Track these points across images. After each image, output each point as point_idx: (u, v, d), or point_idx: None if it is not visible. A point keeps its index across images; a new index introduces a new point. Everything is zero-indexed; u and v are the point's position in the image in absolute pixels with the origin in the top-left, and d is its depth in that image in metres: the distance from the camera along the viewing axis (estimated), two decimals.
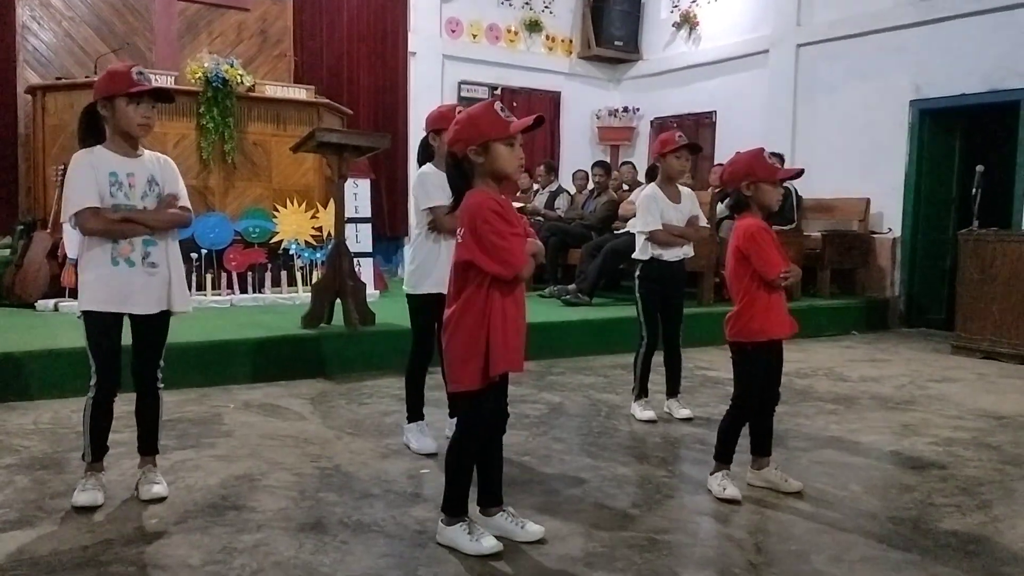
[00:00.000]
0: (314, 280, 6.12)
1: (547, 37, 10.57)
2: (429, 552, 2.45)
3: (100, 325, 2.71)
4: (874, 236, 8.07)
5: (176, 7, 7.48)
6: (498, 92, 10.09)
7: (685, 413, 4.11)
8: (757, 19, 9.23)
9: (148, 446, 2.90)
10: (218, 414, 4.00)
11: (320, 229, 6.64)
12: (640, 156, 10.34)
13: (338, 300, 5.27)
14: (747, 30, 9.35)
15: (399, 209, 9.08)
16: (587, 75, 10.86)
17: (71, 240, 5.54)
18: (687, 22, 10.05)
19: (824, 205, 8.26)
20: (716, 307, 6.38)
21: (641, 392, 4.15)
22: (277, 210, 6.54)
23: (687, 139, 4.05)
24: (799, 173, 3.14)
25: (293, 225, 6.55)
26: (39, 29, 7.55)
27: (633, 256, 4.14)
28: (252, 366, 4.71)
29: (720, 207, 6.66)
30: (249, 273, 6.49)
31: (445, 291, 3.11)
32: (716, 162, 8.87)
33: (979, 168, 6.39)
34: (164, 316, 2.82)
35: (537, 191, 8.91)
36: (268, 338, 4.88)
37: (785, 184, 3.32)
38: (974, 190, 6.39)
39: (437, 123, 3.35)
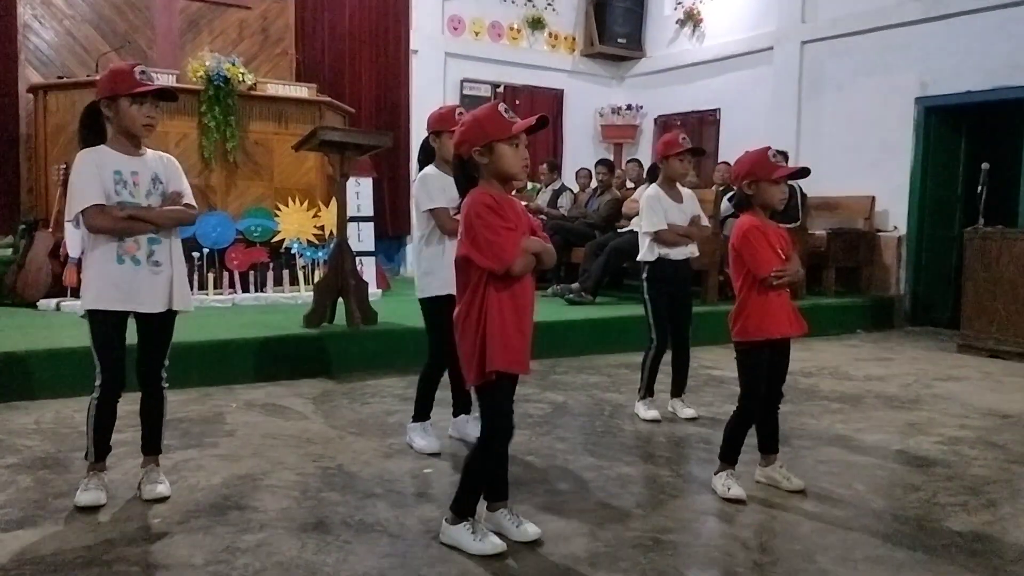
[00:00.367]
0: (316, 279, 6.12)
1: (550, 34, 10.54)
2: (432, 552, 2.44)
3: (105, 324, 2.70)
4: (879, 234, 8.05)
5: (177, 5, 7.47)
6: (500, 90, 10.08)
7: (689, 413, 4.09)
8: (761, 16, 9.19)
9: (152, 446, 2.90)
10: (220, 414, 3.99)
11: (322, 228, 6.63)
12: (643, 154, 10.31)
13: (340, 299, 5.26)
14: (751, 27, 9.32)
15: (401, 208, 9.06)
16: (590, 73, 10.83)
17: (73, 239, 5.54)
18: (691, 19, 10.01)
19: (829, 203, 8.23)
20: (721, 306, 6.36)
21: (647, 392, 4.13)
22: (279, 209, 6.53)
23: (691, 143, 4.03)
24: (801, 172, 3.08)
25: (295, 224, 6.54)
26: (40, 28, 7.55)
27: (639, 258, 4.12)
28: (254, 366, 4.70)
29: (724, 205, 6.65)
30: (251, 272, 6.49)
31: (442, 293, 3.13)
32: (720, 160, 8.85)
33: (985, 166, 6.36)
34: (169, 315, 2.81)
35: (540, 190, 8.89)
36: (270, 337, 4.87)
37: (790, 182, 3.30)
38: (979, 188, 6.36)
39: (437, 125, 3.34)
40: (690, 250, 4.07)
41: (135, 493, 2.83)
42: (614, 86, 11.04)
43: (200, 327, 4.86)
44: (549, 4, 10.53)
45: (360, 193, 7.04)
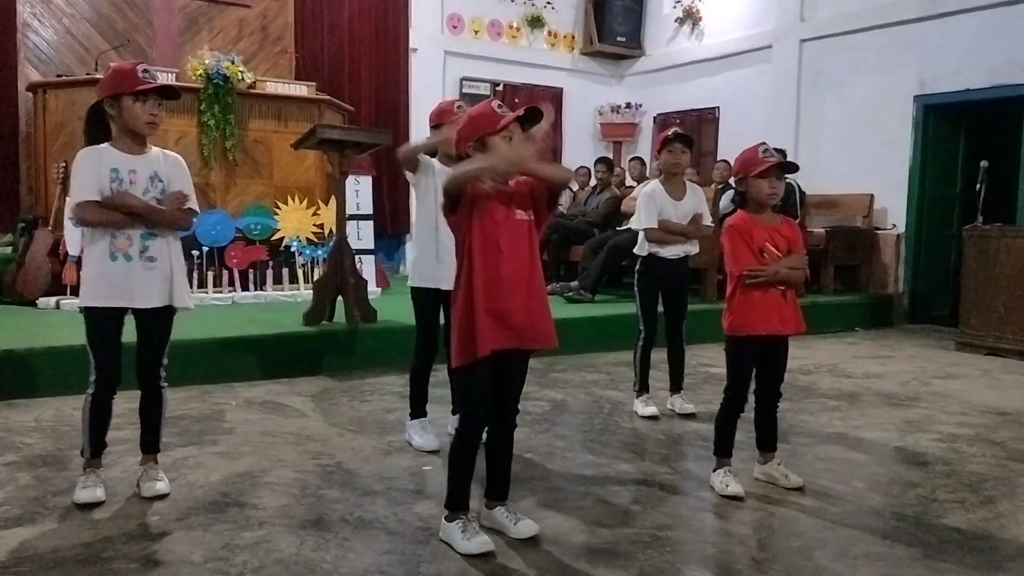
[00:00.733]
0: (315, 277, 6.12)
1: (549, 33, 10.54)
2: (431, 549, 2.45)
3: (101, 321, 2.70)
4: (878, 232, 8.05)
5: (176, 3, 7.48)
6: (500, 88, 10.08)
7: (688, 409, 4.10)
8: (760, 14, 9.20)
9: (151, 444, 2.90)
10: (220, 411, 3.99)
11: (321, 226, 6.63)
12: (643, 152, 10.32)
13: (340, 297, 5.26)
14: (750, 25, 9.32)
15: (401, 206, 9.06)
16: (589, 71, 10.83)
17: (72, 237, 5.54)
18: (690, 17, 10.02)
19: (828, 201, 8.24)
20: (719, 304, 6.34)
21: (642, 387, 4.14)
22: (279, 207, 6.53)
23: (680, 131, 4.03)
24: (785, 165, 3.02)
25: (294, 222, 6.54)
26: (40, 26, 7.54)
27: (635, 251, 4.14)
28: (254, 363, 4.70)
29: (723, 203, 6.65)
30: (251, 270, 6.49)
31: (441, 287, 3.14)
32: (719, 158, 8.85)
33: (983, 164, 6.37)
34: (167, 312, 2.81)
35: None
36: (270, 335, 4.88)
37: (788, 180, 3.30)
38: (978, 186, 6.36)
39: (437, 119, 3.37)
40: (685, 249, 4.07)
41: (134, 490, 2.83)
42: (613, 84, 11.04)
43: (200, 325, 4.87)
44: (548, 3, 10.53)
45: (359, 191, 7.04)
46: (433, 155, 3.41)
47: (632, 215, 7.02)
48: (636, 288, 4.13)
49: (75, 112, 6.07)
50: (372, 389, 4.54)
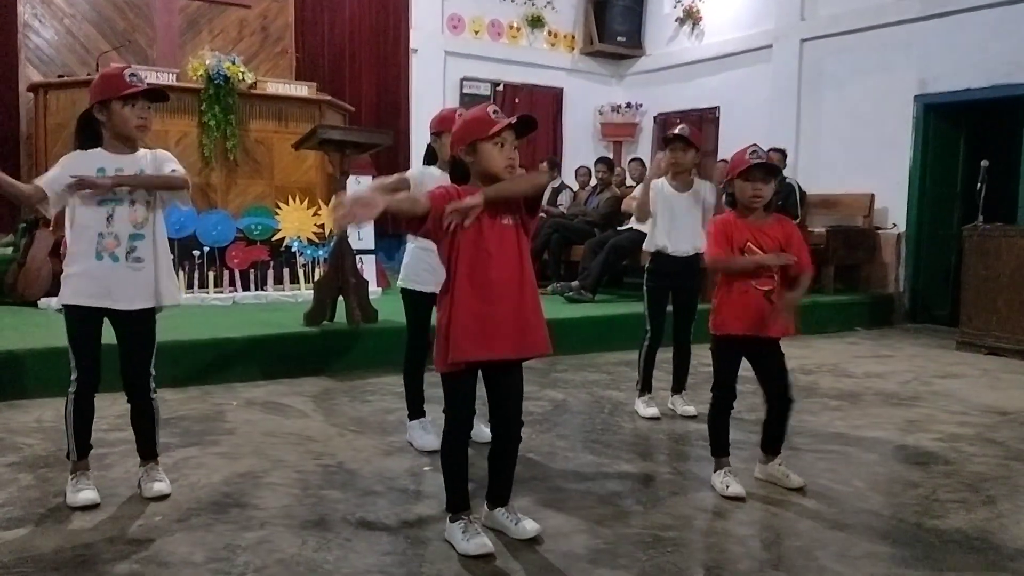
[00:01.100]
0: (316, 277, 6.12)
1: (549, 33, 10.54)
2: (432, 549, 2.45)
3: (79, 319, 2.70)
4: (879, 232, 8.05)
5: (177, 4, 7.48)
6: (500, 89, 10.08)
7: (689, 410, 4.10)
8: (760, 14, 9.20)
9: (147, 451, 2.89)
10: (221, 411, 3.99)
11: (322, 226, 6.63)
12: (643, 152, 10.32)
13: (340, 297, 5.26)
14: (750, 25, 9.32)
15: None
16: (589, 71, 10.83)
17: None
18: (690, 17, 10.02)
19: (828, 200, 8.24)
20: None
21: (644, 387, 4.14)
22: (279, 207, 6.53)
23: (686, 132, 4.01)
24: (767, 167, 2.93)
25: (295, 222, 6.54)
26: (40, 27, 7.55)
27: (644, 247, 4.13)
28: (255, 364, 4.70)
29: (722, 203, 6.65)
30: (251, 271, 6.49)
31: (428, 290, 3.14)
32: (720, 158, 8.84)
33: (984, 163, 6.36)
34: (147, 316, 2.78)
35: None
36: (270, 336, 4.88)
37: (788, 180, 3.31)
38: (979, 185, 6.36)
39: (438, 126, 3.35)
40: (695, 244, 4.04)
41: (135, 491, 2.83)
42: (613, 84, 11.04)
43: (200, 325, 4.88)
44: (548, 3, 10.53)
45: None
46: (434, 162, 3.39)
47: (633, 214, 7.06)
48: (645, 288, 4.10)
49: (76, 113, 6.01)
50: (373, 389, 4.54)
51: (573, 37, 10.74)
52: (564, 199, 8.58)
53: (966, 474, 3.29)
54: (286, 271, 6.64)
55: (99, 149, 2.72)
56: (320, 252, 6.56)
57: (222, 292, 6.29)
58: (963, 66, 7.29)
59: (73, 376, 2.74)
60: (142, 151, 2.79)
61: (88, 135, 2.75)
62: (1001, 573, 2.39)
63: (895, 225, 7.97)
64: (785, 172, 7.59)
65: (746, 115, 9.18)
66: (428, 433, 3.46)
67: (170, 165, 2.80)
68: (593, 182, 8.66)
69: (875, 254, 8.07)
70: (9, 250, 6.82)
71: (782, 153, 7.80)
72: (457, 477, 2.47)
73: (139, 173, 2.73)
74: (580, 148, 10.47)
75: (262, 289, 6.51)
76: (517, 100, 10.01)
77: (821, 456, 3.49)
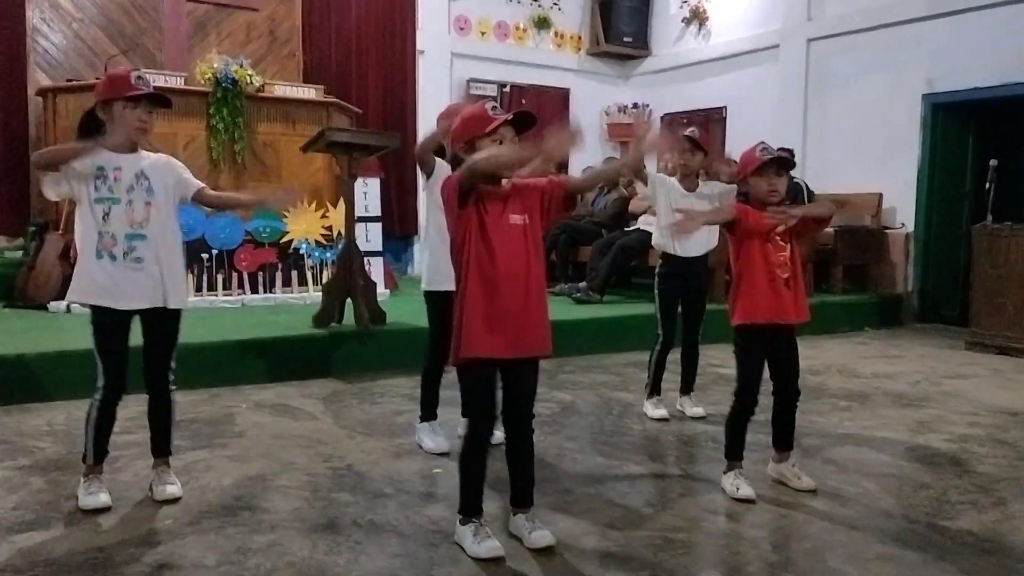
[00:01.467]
0: (325, 280, 6.14)
1: (556, 34, 10.54)
2: (443, 552, 2.45)
3: (104, 323, 2.71)
4: (887, 231, 8.02)
5: (185, 8, 7.50)
6: (507, 90, 10.08)
7: (698, 411, 4.09)
8: (767, 14, 9.17)
9: (161, 448, 2.91)
10: (230, 414, 4.01)
11: (330, 229, 6.65)
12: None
13: (349, 299, 5.27)
14: (757, 25, 9.30)
15: (409, 207, 9.08)
16: (596, 71, 10.82)
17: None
18: (696, 17, 10.00)
19: (836, 200, 8.12)
20: (727, 304, 6.34)
21: (654, 390, 4.14)
22: (287, 210, 6.55)
23: (696, 135, 4.01)
24: (780, 161, 2.98)
25: (303, 225, 6.56)
26: (49, 31, 7.59)
27: (653, 242, 4.13)
28: (264, 366, 4.72)
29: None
30: (260, 273, 6.51)
31: (446, 288, 3.14)
32: (727, 157, 8.82)
33: (992, 162, 6.34)
34: (169, 316, 2.80)
35: None
36: (279, 338, 4.90)
37: (796, 179, 3.31)
38: (988, 184, 6.33)
39: (447, 120, 3.36)
40: (706, 244, 4.03)
41: (146, 494, 2.85)
42: (620, 85, 11.02)
43: (210, 328, 4.89)
44: (555, 4, 10.52)
45: (368, 193, 7.05)
46: (444, 157, 3.42)
47: (640, 215, 7.06)
48: (656, 291, 4.09)
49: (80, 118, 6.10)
50: (382, 391, 4.55)
51: (579, 38, 10.74)
52: None
53: (977, 475, 3.28)
54: (294, 273, 6.65)
55: (100, 147, 2.72)
56: (328, 254, 6.58)
57: (231, 295, 6.31)
58: (971, 65, 7.26)
59: (100, 382, 2.74)
60: (143, 152, 2.80)
61: (91, 132, 2.75)
62: (1012, 575, 2.38)
63: (903, 225, 7.94)
64: (793, 172, 7.56)
65: (753, 115, 9.16)
66: (437, 435, 3.46)
67: (188, 175, 2.83)
68: None
69: (883, 254, 8.03)
70: (19, 253, 6.87)
71: (790, 152, 7.75)
72: (474, 481, 2.47)
73: (139, 173, 2.74)
74: (587, 149, 10.44)
75: (270, 291, 6.52)
76: (524, 101, 10.00)
77: (831, 457, 3.49)
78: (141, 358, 2.84)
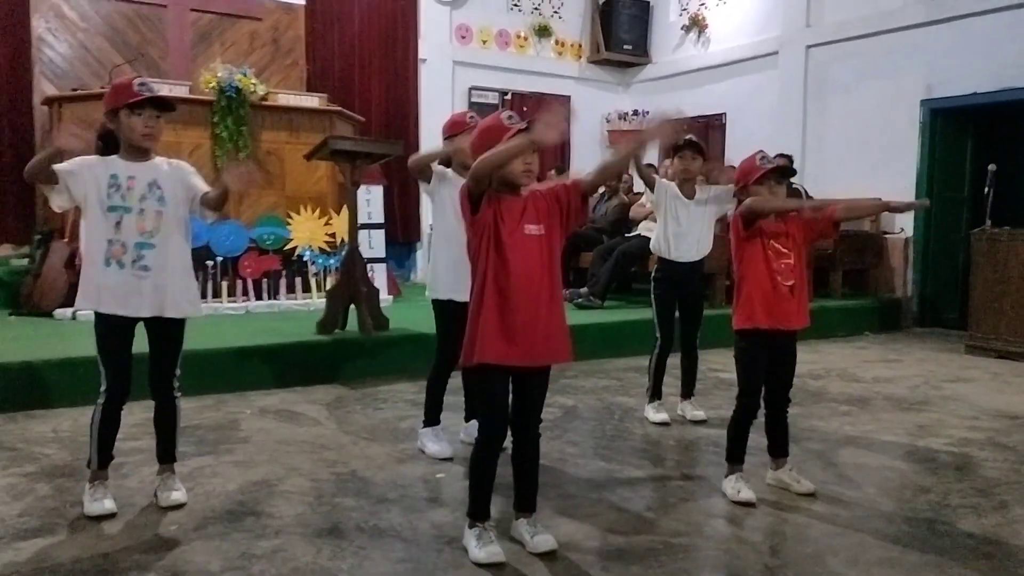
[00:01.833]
0: (328, 286, 6.17)
1: (556, 42, 10.59)
2: (446, 556, 2.47)
3: (109, 329, 2.73)
4: (886, 236, 8.05)
5: (189, 17, 7.56)
6: (508, 97, 10.13)
7: (699, 415, 4.11)
8: (766, 21, 9.22)
9: (166, 454, 2.93)
10: (235, 420, 4.03)
11: (334, 235, 6.68)
12: (650, 159, 10.32)
13: (352, 306, 5.30)
14: (756, 32, 9.34)
15: (411, 214, 9.12)
16: (597, 79, 10.88)
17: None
18: (696, 25, 10.05)
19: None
20: (728, 309, 6.36)
21: (655, 394, 4.16)
22: (291, 217, 6.59)
23: (691, 139, 4.03)
24: (782, 170, 3.04)
25: (307, 232, 6.59)
26: (54, 41, 7.65)
27: (651, 247, 4.16)
28: (268, 372, 4.74)
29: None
30: (264, 280, 6.54)
31: (456, 297, 3.17)
32: (727, 164, 8.86)
33: (991, 167, 6.36)
34: (173, 324, 2.81)
35: None
36: (283, 344, 4.92)
37: (795, 185, 3.35)
38: (986, 189, 6.36)
39: (450, 130, 3.40)
40: (700, 250, 4.07)
41: (151, 500, 2.87)
42: (620, 92, 11.08)
43: (214, 335, 4.92)
44: (555, 12, 10.60)
45: (371, 200, 7.10)
46: (447, 165, 3.45)
47: (641, 221, 7.08)
48: (652, 295, 4.14)
49: (90, 126, 6.12)
50: (385, 397, 4.57)
51: (580, 46, 10.79)
52: None
53: (977, 479, 3.29)
54: (298, 280, 6.69)
55: (114, 156, 2.76)
56: (332, 261, 6.61)
57: (235, 301, 6.34)
58: (969, 70, 7.29)
59: (103, 387, 2.76)
60: (158, 159, 2.82)
61: (108, 143, 2.79)
62: None
63: (903, 229, 7.96)
64: (792, 178, 7.59)
65: (753, 121, 9.20)
66: (440, 440, 3.48)
67: (197, 179, 2.86)
68: (601, 189, 8.67)
69: (883, 258, 8.06)
70: (25, 261, 6.90)
71: (789, 159, 7.80)
72: (483, 485, 2.49)
73: (152, 182, 2.75)
74: (587, 155, 10.48)
75: (275, 298, 6.56)
76: (525, 108, 10.04)
77: (831, 461, 3.50)
78: (147, 365, 2.86)
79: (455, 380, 3.48)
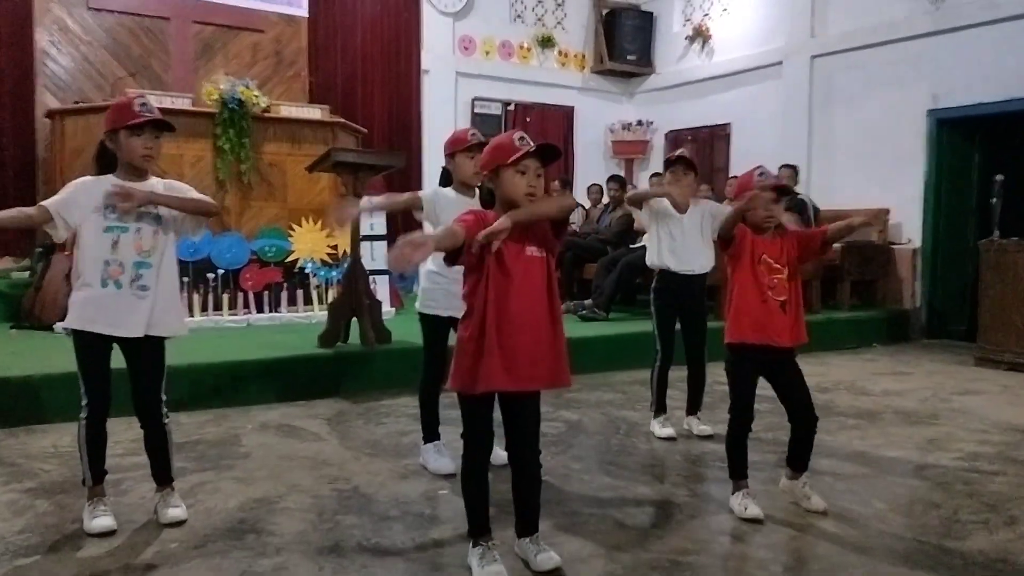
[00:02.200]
0: (330, 299, 6.15)
1: (560, 53, 10.61)
2: (448, 575, 2.43)
3: (86, 344, 2.72)
4: (894, 247, 8.01)
5: (191, 29, 7.59)
6: (511, 108, 10.13)
7: (705, 430, 4.07)
8: (770, 31, 9.22)
9: (161, 476, 2.90)
10: (236, 435, 4.00)
11: (336, 247, 6.67)
12: (654, 169, 10.31)
13: (355, 318, 5.27)
14: (760, 42, 9.34)
15: (414, 226, 8.97)
16: (600, 89, 10.88)
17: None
18: (700, 35, 10.05)
19: (842, 216, 8.04)
20: None
21: (659, 408, 4.12)
22: (293, 229, 6.58)
23: (682, 154, 4.02)
24: (780, 188, 3.01)
25: (309, 244, 6.58)
26: (57, 54, 7.67)
27: (647, 262, 4.14)
28: (269, 386, 4.71)
29: None
30: (265, 292, 6.52)
31: (452, 314, 3.14)
32: (731, 174, 8.85)
33: (998, 178, 6.33)
34: (153, 342, 2.78)
35: None
36: (285, 358, 4.89)
37: (800, 196, 3.32)
38: (993, 199, 6.32)
39: (451, 147, 3.38)
40: (701, 263, 4.05)
41: (151, 517, 2.84)
42: (624, 102, 11.08)
43: (215, 348, 4.90)
44: (559, 23, 10.62)
45: (373, 212, 7.07)
46: (446, 184, 3.43)
47: (645, 233, 7.05)
48: (653, 307, 4.11)
49: (92, 138, 6.11)
50: (387, 411, 4.54)
51: (583, 56, 10.80)
52: (576, 217, 8.58)
53: (988, 494, 3.25)
54: (300, 292, 6.67)
55: (110, 176, 2.75)
56: (334, 273, 6.59)
57: (236, 314, 6.32)
58: (975, 80, 7.27)
59: (83, 402, 2.75)
60: (153, 179, 2.82)
61: (105, 162, 2.78)
62: None
63: (910, 240, 7.92)
64: (798, 188, 7.58)
65: (758, 131, 9.18)
66: (442, 456, 3.45)
67: (193, 193, 2.84)
68: (605, 200, 8.66)
69: (890, 269, 8.02)
70: (26, 274, 6.90)
71: (794, 169, 7.79)
72: (476, 502, 2.46)
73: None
74: (592, 166, 10.49)
75: (276, 311, 6.53)
76: (528, 119, 10.07)
77: (841, 476, 3.46)
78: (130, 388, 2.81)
79: (454, 396, 3.44)
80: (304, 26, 8.74)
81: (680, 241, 3.98)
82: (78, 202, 2.67)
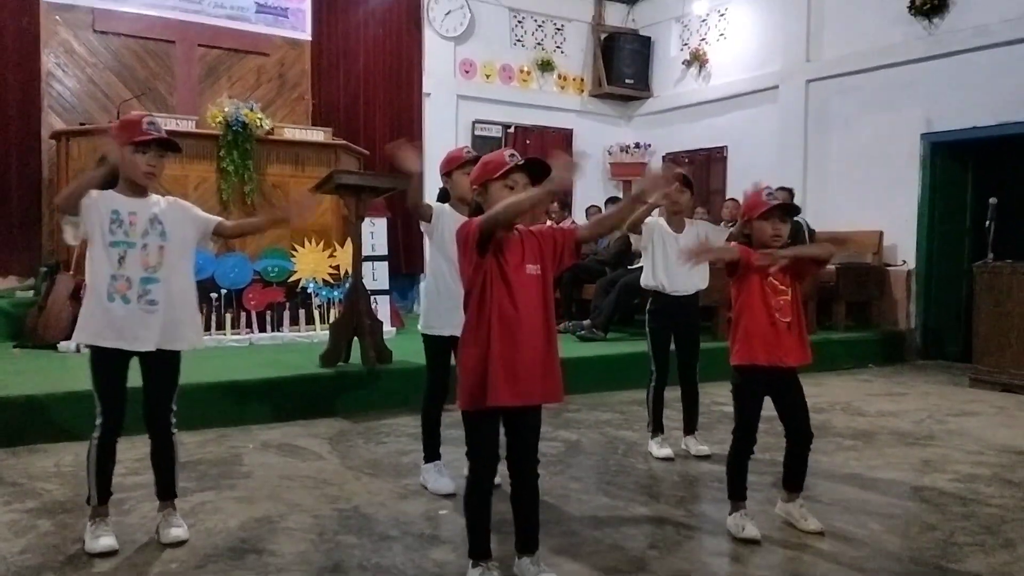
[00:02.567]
0: (332, 318, 6.18)
1: (559, 76, 10.72)
2: None
3: (102, 362, 2.74)
4: (888, 268, 8.06)
5: (196, 52, 7.68)
6: (511, 131, 10.23)
7: (703, 450, 4.10)
8: (766, 56, 9.33)
9: (166, 491, 2.92)
10: (237, 455, 4.02)
11: (337, 268, 6.72)
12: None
13: (356, 338, 5.31)
14: (756, 67, 9.45)
15: (414, 246, 9.16)
16: (599, 112, 10.99)
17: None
18: (697, 60, 10.17)
19: (838, 238, 8.24)
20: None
21: (656, 428, 4.14)
22: (295, 249, 6.63)
23: (679, 171, 4.10)
24: (786, 207, 3.04)
25: (311, 264, 6.63)
26: (63, 76, 7.76)
27: (642, 283, 4.18)
28: (271, 406, 4.74)
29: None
30: (268, 312, 6.57)
31: (453, 333, 3.17)
32: (728, 196, 8.92)
33: (992, 201, 6.39)
34: (169, 357, 2.82)
35: None
36: (286, 377, 4.93)
37: (796, 218, 3.36)
38: (987, 222, 6.38)
39: (446, 166, 3.45)
40: (695, 283, 4.09)
41: (153, 537, 2.86)
42: (622, 125, 11.18)
43: (217, 367, 4.93)
44: (558, 47, 10.75)
45: (374, 233, 7.14)
46: (444, 200, 3.49)
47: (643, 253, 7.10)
48: (647, 328, 4.15)
49: (97, 160, 6.23)
50: (388, 430, 4.56)
51: (582, 80, 10.92)
52: None
53: (984, 516, 3.27)
54: (302, 312, 6.71)
55: (112, 191, 2.78)
56: (335, 293, 6.64)
57: (239, 333, 6.36)
58: (969, 104, 7.36)
59: (98, 421, 2.77)
60: (154, 197, 2.85)
61: (107, 176, 2.80)
62: None
63: (905, 262, 7.98)
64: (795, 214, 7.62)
65: (754, 154, 9.27)
66: (443, 476, 3.47)
67: (201, 213, 2.90)
68: None
69: (885, 291, 8.07)
70: (30, 293, 6.94)
71: (790, 192, 7.84)
72: (479, 524, 2.47)
73: (152, 218, 2.78)
74: (590, 188, 10.55)
75: (278, 330, 6.57)
76: (528, 142, 10.15)
77: (837, 497, 3.48)
78: (141, 400, 2.84)
79: (455, 413, 3.47)
80: (307, 50, 8.85)
81: (676, 261, 4.02)
82: (94, 208, 2.71)
